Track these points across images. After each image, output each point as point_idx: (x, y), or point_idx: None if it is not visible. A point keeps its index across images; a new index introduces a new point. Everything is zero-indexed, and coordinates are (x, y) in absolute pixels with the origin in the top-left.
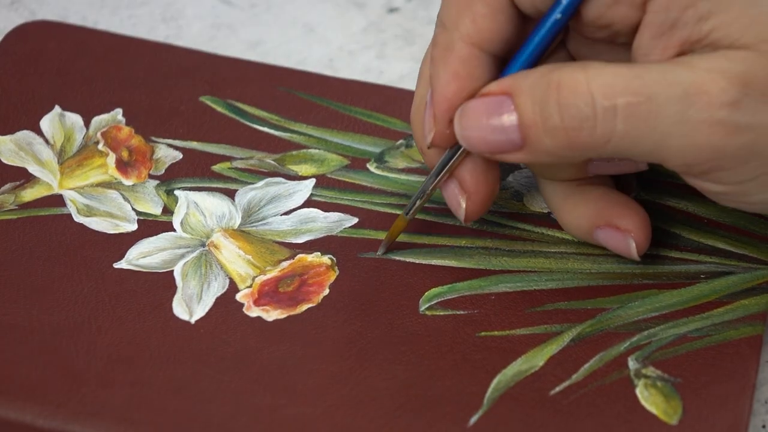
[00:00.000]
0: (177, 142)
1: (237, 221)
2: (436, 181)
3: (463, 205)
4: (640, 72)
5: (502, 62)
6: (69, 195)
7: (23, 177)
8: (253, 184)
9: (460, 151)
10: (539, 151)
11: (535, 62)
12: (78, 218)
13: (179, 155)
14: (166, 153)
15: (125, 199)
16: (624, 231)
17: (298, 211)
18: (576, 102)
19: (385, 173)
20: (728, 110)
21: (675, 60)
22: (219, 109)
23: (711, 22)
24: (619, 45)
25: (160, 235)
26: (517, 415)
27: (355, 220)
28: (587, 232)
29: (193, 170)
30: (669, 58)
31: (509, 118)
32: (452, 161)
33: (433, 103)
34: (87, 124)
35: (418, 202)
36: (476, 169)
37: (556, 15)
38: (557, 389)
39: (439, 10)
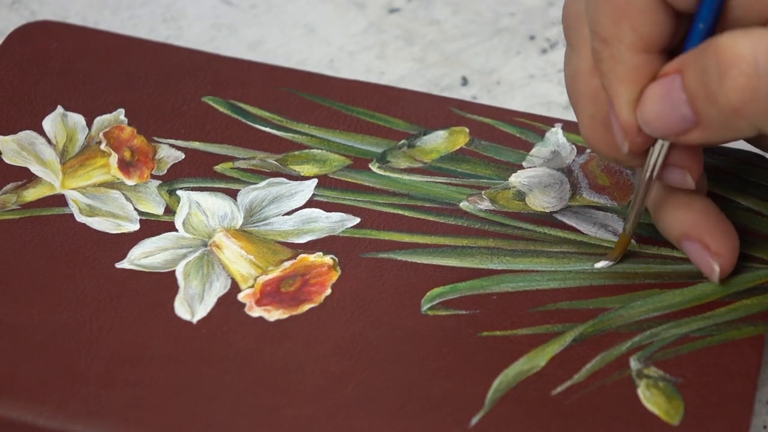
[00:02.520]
0: (179, 143)
1: (239, 221)
2: (652, 181)
3: (689, 176)
4: None
5: (672, 55)
6: (71, 195)
7: (25, 177)
8: (255, 184)
9: (660, 146)
10: (710, 123)
11: (706, 38)
12: (80, 218)
13: (181, 155)
14: (168, 153)
15: (127, 199)
16: (713, 253)
17: (300, 211)
18: (736, 62)
19: (387, 173)
20: None
21: None
22: (221, 109)
23: None
24: None
25: (162, 235)
26: (518, 416)
27: (357, 220)
28: (676, 238)
29: (195, 170)
30: None
31: (679, 95)
32: (657, 157)
33: (617, 113)
34: (89, 124)
35: (634, 213)
36: (685, 148)
37: None
38: (559, 389)
39: (590, 25)
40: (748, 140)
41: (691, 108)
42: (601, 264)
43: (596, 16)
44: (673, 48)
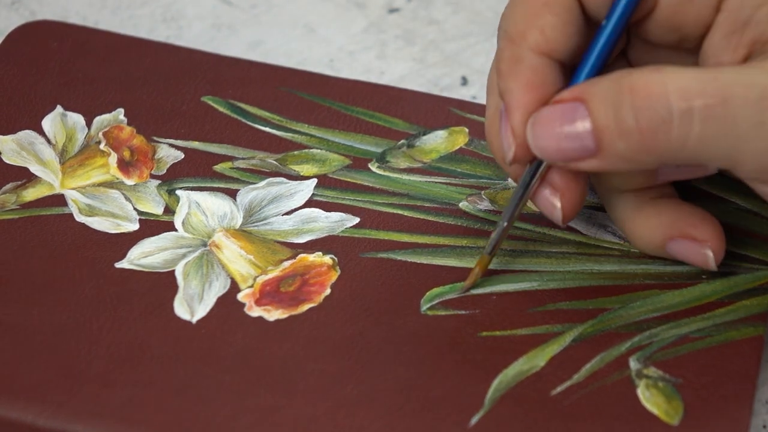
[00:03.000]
0: (179, 142)
1: (238, 221)
2: (523, 196)
3: (558, 205)
4: (715, 74)
5: (571, 70)
6: (70, 195)
7: (25, 177)
8: (254, 183)
9: (544, 165)
10: (613, 156)
11: (602, 67)
12: (79, 218)
13: (181, 155)
14: (168, 153)
15: (127, 198)
16: (701, 241)
17: (300, 210)
18: (652, 104)
19: (386, 173)
20: None
21: (748, 63)
22: (221, 109)
23: None
24: (682, 51)
25: (161, 235)
26: (518, 416)
27: (357, 219)
28: (659, 245)
29: (195, 170)
30: (739, 59)
31: (583, 124)
32: (537, 174)
33: (508, 117)
34: (89, 123)
35: (506, 224)
36: (564, 173)
37: (619, 9)
38: (558, 389)
39: (500, 22)
40: None
41: (595, 140)
42: (461, 287)
43: (510, 14)
44: (573, 63)
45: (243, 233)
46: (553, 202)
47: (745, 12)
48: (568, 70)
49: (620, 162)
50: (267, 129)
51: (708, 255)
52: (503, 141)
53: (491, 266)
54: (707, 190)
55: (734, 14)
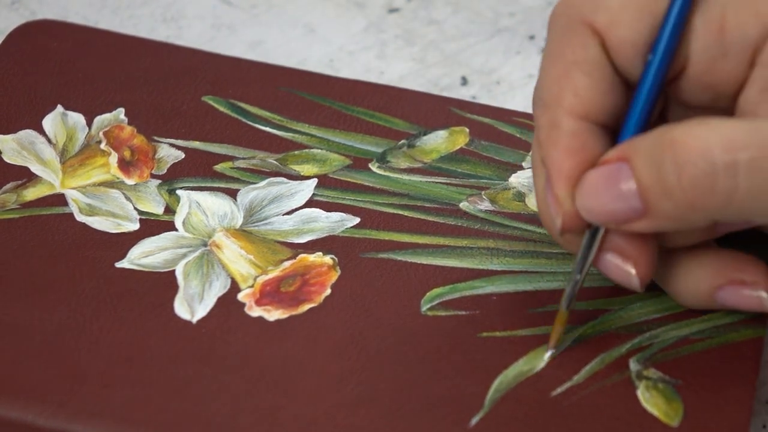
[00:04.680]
0: (179, 142)
1: (239, 221)
2: (585, 267)
3: (634, 272)
4: (759, 125)
5: (613, 132)
6: (71, 194)
7: (25, 176)
8: (255, 183)
9: (601, 232)
10: (661, 215)
11: (645, 126)
12: (80, 217)
13: (181, 155)
14: (168, 152)
15: (127, 198)
16: (751, 284)
17: (300, 210)
18: (694, 158)
19: (387, 173)
20: None
21: None
22: (221, 108)
23: None
24: (719, 111)
25: (161, 235)
26: (518, 416)
27: (357, 220)
28: (708, 296)
29: (195, 170)
30: None
31: (628, 185)
32: (595, 241)
33: (551, 185)
34: (89, 123)
35: (569, 291)
36: (631, 236)
37: (658, 58)
38: (558, 390)
39: (534, 92)
40: None
41: (642, 200)
42: (548, 354)
43: (541, 80)
44: (614, 125)
45: (243, 233)
46: (626, 269)
47: None
48: (609, 134)
49: (670, 221)
50: (267, 129)
51: (762, 296)
52: (551, 210)
53: (490, 267)
54: None
55: None
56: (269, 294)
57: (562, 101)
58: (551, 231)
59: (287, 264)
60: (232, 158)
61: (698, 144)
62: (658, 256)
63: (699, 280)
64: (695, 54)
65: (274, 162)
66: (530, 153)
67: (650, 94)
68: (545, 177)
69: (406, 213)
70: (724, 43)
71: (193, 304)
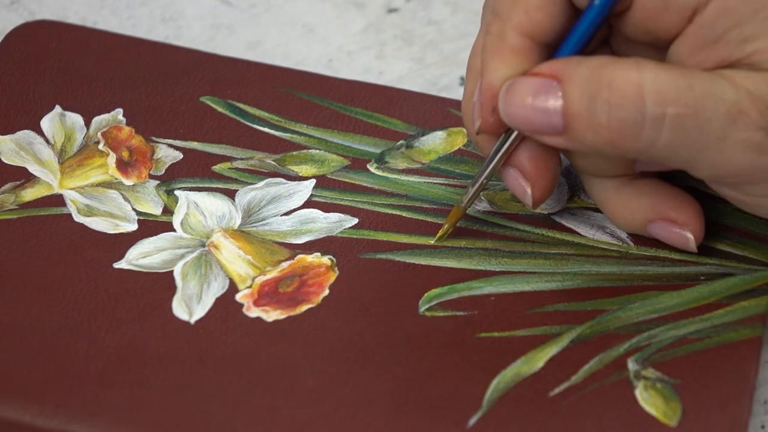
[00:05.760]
0: (177, 142)
1: (237, 221)
2: (489, 169)
3: (529, 192)
4: (690, 81)
5: (552, 52)
6: (69, 195)
7: (23, 177)
8: (253, 184)
9: (512, 137)
10: (578, 140)
11: (584, 48)
12: (78, 218)
13: (179, 155)
14: (167, 153)
15: (125, 199)
16: (681, 224)
17: (299, 211)
18: (626, 104)
19: (385, 174)
20: (764, 133)
21: (720, 72)
22: (219, 109)
23: (755, 44)
24: (658, 48)
25: (160, 235)
26: (516, 417)
27: (355, 220)
28: (640, 226)
29: (194, 170)
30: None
31: (554, 103)
32: (506, 147)
33: (482, 87)
34: (87, 123)
35: (472, 191)
36: (535, 156)
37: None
38: (557, 390)
39: None
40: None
41: (564, 121)
42: (433, 240)
43: None
44: (555, 46)
45: (241, 234)
46: (523, 187)
47: (717, 31)
48: (551, 54)
49: (584, 148)
50: (266, 129)
51: (688, 237)
52: (474, 112)
53: (488, 267)
54: (706, 190)
55: (705, 30)
56: (267, 294)
57: (512, 17)
58: (469, 130)
59: (285, 264)
60: (230, 159)
61: (633, 91)
62: (554, 184)
63: (634, 209)
64: (639, 1)
65: (273, 162)
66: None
67: (591, 25)
68: (478, 83)
69: (404, 213)
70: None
71: (191, 305)
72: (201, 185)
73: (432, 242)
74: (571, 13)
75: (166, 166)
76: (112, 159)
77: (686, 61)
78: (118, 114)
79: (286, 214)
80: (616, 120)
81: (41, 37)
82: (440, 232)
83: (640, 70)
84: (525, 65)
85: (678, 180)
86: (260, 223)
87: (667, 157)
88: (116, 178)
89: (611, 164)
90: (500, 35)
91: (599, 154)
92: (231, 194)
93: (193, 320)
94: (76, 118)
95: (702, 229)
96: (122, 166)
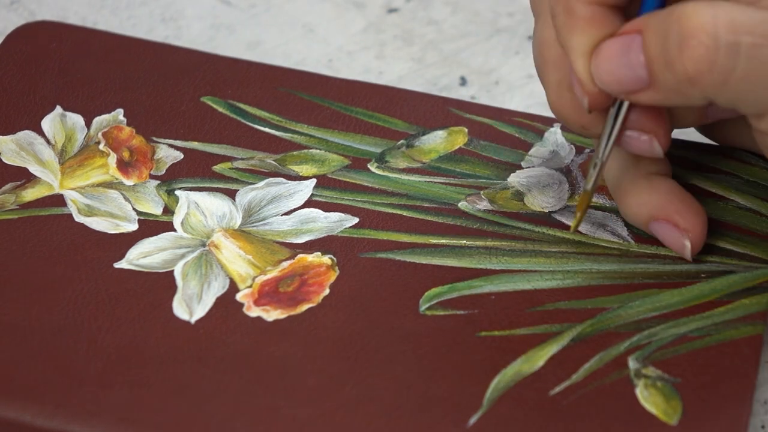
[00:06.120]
0: (178, 143)
1: (237, 221)
2: (609, 144)
3: (655, 143)
4: (766, 16)
5: (628, 15)
6: (70, 195)
7: (24, 177)
8: (253, 184)
9: (620, 106)
10: (663, 87)
11: (663, 3)
12: (79, 218)
13: (180, 155)
14: (167, 153)
15: (126, 199)
16: (682, 229)
17: (299, 211)
18: (697, 33)
19: (385, 173)
20: None
21: None
22: (220, 109)
23: None
24: None
25: (160, 235)
26: (516, 415)
27: (356, 220)
28: (644, 222)
29: (194, 170)
30: None
31: (638, 55)
32: (619, 117)
33: (575, 68)
34: (88, 124)
35: (595, 172)
36: (645, 111)
37: None
38: (557, 389)
39: None
40: (704, 132)
41: (647, 70)
42: (571, 229)
43: None
44: (630, 11)
45: (242, 233)
46: (647, 141)
47: None
48: (625, 16)
49: (672, 95)
50: (266, 129)
51: (686, 244)
52: (576, 92)
53: (489, 266)
54: (707, 189)
55: None
56: (268, 294)
57: None
58: (573, 121)
59: (286, 264)
60: (230, 159)
61: (705, 20)
62: (671, 126)
63: (642, 204)
64: None
65: (273, 162)
66: (533, 55)
67: None
68: (559, 76)
69: (404, 213)
70: None
71: (191, 305)
72: (201, 185)
73: (571, 230)
74: None
75: (167, 166)
76: (112, 159)
77: (758, 3)
78: (119, 114)
79: (287, 213)
80: (689, 50)
81: (42, 37)
82: (574, 222)
83: (713, 4)
84: (605, 30)
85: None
86: (261, 222)
87: (745, 94)
88: (117, 178)
89: (687, 111)
90: (569, 12)
91: (683, 103)
92: (231, 194)
93: (193, 320)
94: (76, 119)
95: (702, 240)
96: (123, 166)
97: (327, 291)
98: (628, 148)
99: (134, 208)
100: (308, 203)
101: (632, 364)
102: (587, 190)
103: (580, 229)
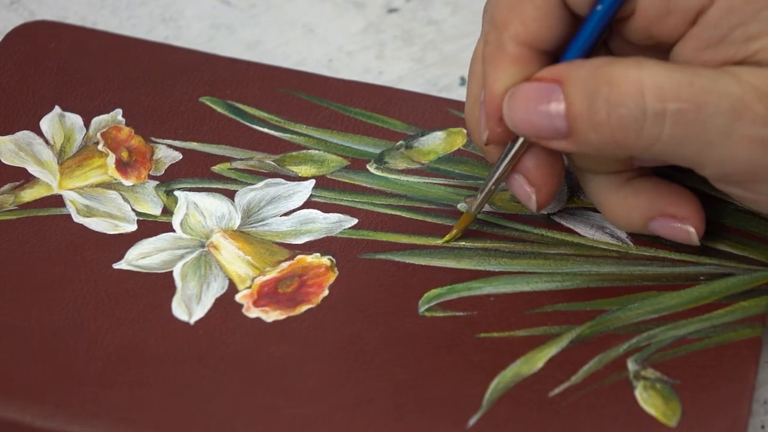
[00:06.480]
0: (177, 143)
1: (236, 222)
2: (497, 176)
3: (534, 198)
4: (692, 78)
5: (554, 58)
6: (68, 195)
7: (23, 177)
8: (252, 184)
9: (518, 144)
10: (583, 142)
11: (587, 54)
12: (77, 219)
13: (179, 156)
14: (166, 153)
15: (125, 199)
16: (681, 219)
17: (298, 211)
18: (626, 101)
19: (384, 174)
20: None
21: (723, 69)
22: (219, 109)
23: (759, 42)
24: (659, 52)
25: (159, 236)
26: (516, 417)
27: (355, 221)
28: (641, 225)
29: (193, 171)
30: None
31: (557, 107)
32: (512, 154)
33: (486, 100)
34: (87, 124)
35: (480, 197)
36: (541, 163)
37: (604, 6)
38: (556, 391)
39: (485, 5)
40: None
41: (568, 124)
42: (441, 241)
43: (496, 2)
44: (557, 52)
45: (241, 234)
46: (528, 194)
47: (721, 31)
48: (551, 59)
49: (590, 149)
50: (265, 130)
51: (690, 231)
52: (480, 123)
53: (488, 267)
54: (706, 191)
55: (709, 31)
56: (267, 295)
57: (509, 27)
58: (476, 140)
59: (285, 265)
60: (229, 159)
61: (633, 88)
62: (557, 188)
63: (633, 208)
64: (641, 8)
65: (272, 163)
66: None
67: (593, 31)
68: (480, 90)
69: (403, 214)
70: (669, 4)
71: (190, 305)
72: (200, 186)
73: (439, 243)
74: (568, 20)
75: (166, 166)
76: (111, 159)
77: (690, 62)
78: (118, 114)
79: (286, 214)
80: (616, 117)
81: (41, 37)
82: (448, 237)
83: (640, 68)
84: (526, 73)
85: (679, 180)
86: (260, 223)
87: (672, 155)
88: (116, 179)
89: (610, 161)
90: (499, 45)
91: (601, 156)
92: (230, 195)
93: (192, 321)
94: (75, 119)
95: (703, 223)
96: (122, 166)
97: (326, 292)
98: (511, 189)
99: (133, 209)
100: (307, 204)
101: (631, 365)
102: (470, 212)
103: (579, 231)
